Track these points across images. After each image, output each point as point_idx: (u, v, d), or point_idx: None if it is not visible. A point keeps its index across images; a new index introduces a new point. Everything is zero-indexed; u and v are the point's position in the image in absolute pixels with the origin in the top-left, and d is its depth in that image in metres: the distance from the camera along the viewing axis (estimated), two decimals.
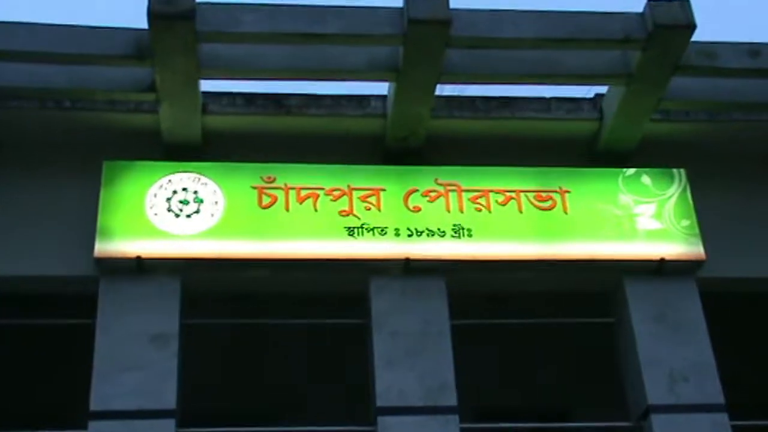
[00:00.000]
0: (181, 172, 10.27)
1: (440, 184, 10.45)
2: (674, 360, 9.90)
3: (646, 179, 10.71)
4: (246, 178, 10.25)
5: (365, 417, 9.71)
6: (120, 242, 9.80)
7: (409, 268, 10.05)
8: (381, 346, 9.71)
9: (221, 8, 9.48)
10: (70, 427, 9.44)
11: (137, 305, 9.69)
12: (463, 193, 10.40)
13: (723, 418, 9.69)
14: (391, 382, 9.56)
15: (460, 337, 9.86)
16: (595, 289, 10.48)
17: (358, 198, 10.25)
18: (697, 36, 9.86)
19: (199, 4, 9.33)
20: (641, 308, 10.18)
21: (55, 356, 10.99)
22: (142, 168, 10.25)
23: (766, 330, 11.37)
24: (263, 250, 9.93)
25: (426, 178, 10.46)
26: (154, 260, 9.80)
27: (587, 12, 9.95)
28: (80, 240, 9.85)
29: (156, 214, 10.00)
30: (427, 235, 10.13)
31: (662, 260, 10.27)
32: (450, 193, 10.40)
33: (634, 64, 10.05)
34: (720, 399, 9.80)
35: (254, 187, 10.20)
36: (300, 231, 10.03)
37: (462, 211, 10.29)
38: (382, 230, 10.11)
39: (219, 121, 10.53)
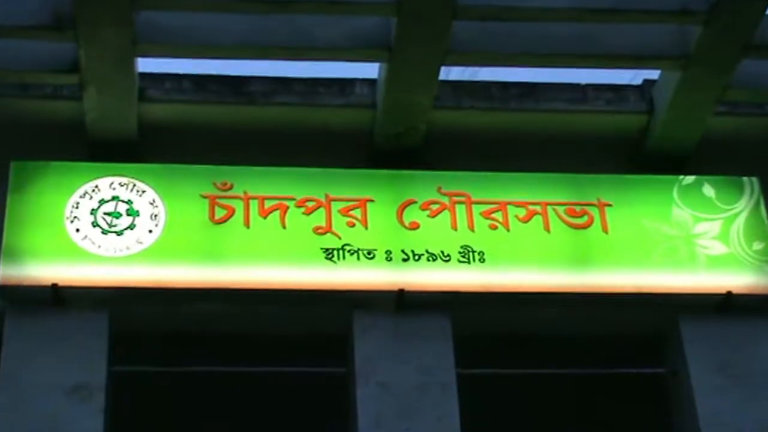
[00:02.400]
0: (111, 175, 9.97)
1: (444, 195, 10.18)
2: (742, 420, 9.63)
3: (708, 190, 10.45)
4: (194, 184, 9.97)
5: None
6: (31, 266, 9.49)
7: (404, 302, 9.72)
8: (367, 401, 9.43)
9: None
10: None
11: (53, 347, 9.38)
12: (474, 206, 10.13)
13: None
14: None
15: (468, 390, 9.63)
16: (642, 331, 10.28)
17: (339, 211, 9.96)
18: None
19: None
20: (701, 355, 9.93)
21: None
22: (61, 170, 9.94)
23: None
24: (215, 278, 9.64)
25: (426, 187, 10.19)
26: (76, 289, 9.47)
27: None
28: None
29: (78, 230, 9.65)
30: (427, 259, 9.83)
31: (728, 294, 9.94)
32: (457, 206, 10.13)
33: (693, 42, 9.82)
34: None
35: (205, 196, 9.90)
36: (263, 253, 9.75)
37: (472, 230, 10.00)
38: (369, 253, 9.81)
39: (160, 111, 10.31)
